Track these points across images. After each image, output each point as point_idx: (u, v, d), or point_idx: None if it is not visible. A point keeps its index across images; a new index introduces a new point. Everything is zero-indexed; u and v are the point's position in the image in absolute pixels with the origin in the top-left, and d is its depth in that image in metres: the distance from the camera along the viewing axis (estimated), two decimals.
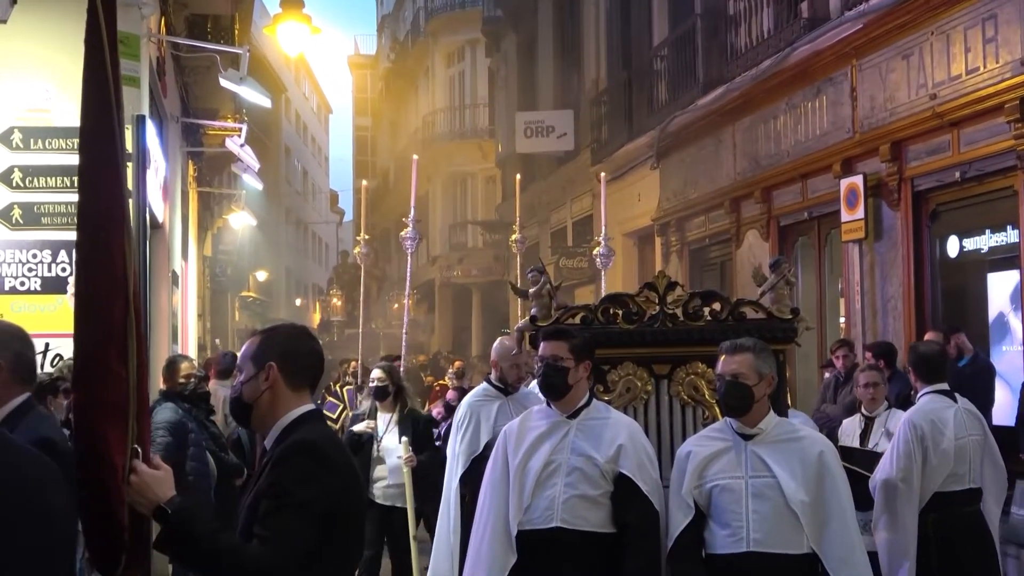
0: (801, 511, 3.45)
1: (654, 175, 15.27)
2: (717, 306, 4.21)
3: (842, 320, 10.98)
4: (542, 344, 3.77)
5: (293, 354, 2.68)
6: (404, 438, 6.84)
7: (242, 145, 15.98)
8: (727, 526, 3.46)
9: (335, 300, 31.55)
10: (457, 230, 30.10)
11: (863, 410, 6.19)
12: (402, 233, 8.66)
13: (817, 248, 11.32)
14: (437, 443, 7.46)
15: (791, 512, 3.45)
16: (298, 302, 45.07)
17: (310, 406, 2.69)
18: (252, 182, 19.76)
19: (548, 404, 3.83)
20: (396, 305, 30.04)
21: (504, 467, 3.76)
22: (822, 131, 10.70)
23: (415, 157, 8.93)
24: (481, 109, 29.24)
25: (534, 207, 22.08)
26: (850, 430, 6.20)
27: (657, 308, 4.21)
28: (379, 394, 7.11)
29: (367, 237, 9.53)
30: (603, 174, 9.19)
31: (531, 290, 4.25)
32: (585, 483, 3.62)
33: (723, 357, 3.61)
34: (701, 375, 4.13)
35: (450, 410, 8.49)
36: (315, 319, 51.92)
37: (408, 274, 8.82)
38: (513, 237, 9.97)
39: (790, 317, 4.19)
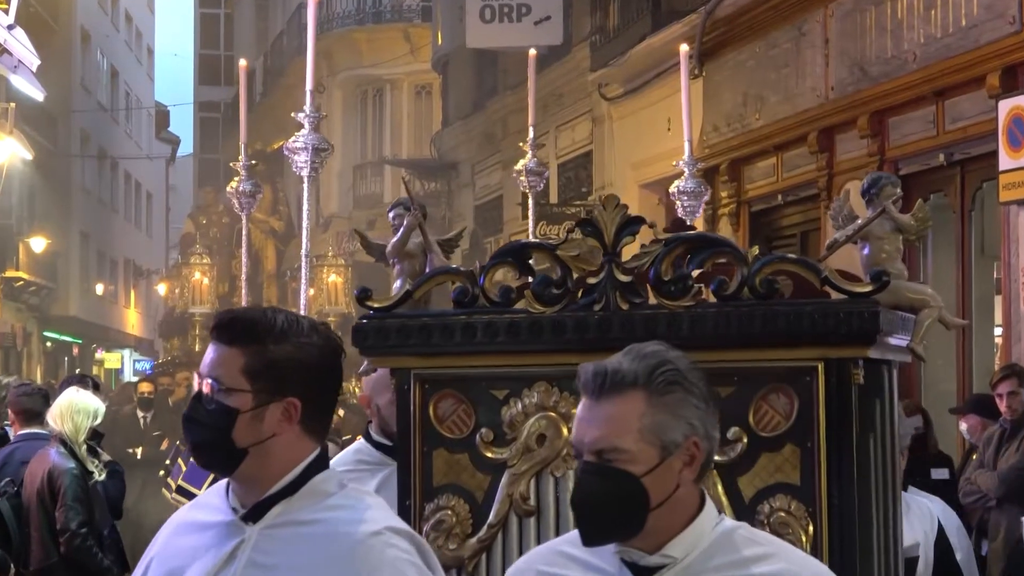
0: None
1: (694, 89, 15.24)
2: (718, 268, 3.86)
3: (998, 330, 11.15)
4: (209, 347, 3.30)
5: None
6: None
7: (10, 27, 15.84)
8: None
9: (198, 275, 30.14)
10: (367, 175, 30.14)
11: None
12: (289, 141, 8.00)
13: (960, 212, 11.42)
14: None
15: None
16: (100, 288, 44.84)
17: None
18: (27, 88, 19.63)
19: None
20: (311, 290, 29.56)
21: None
22: (970, 21, 10.83)
23: None
24: None
25: (494, 138, 22.04)
26: None
27: (602, 272, 3.84)
28: None
29: (254, 163, 9.10)
30: (683, 50, 8.81)
31: (392, 242, 4.05)
32: None
33: (582, 404, 3.08)
34: None
35: None
36: (129, 319, 51.56)
37: (304, 222, 8.20)
38: (522, 162, 8.81)
39: (869, 289, 3.78)
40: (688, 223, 8.41)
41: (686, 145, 8.45)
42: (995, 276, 11.27)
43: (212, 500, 3.36)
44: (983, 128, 10.61)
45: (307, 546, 3.20)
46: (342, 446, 10.26)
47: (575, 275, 3.90)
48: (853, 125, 12.30)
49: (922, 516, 5.84)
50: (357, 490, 3.40)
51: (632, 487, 2.98)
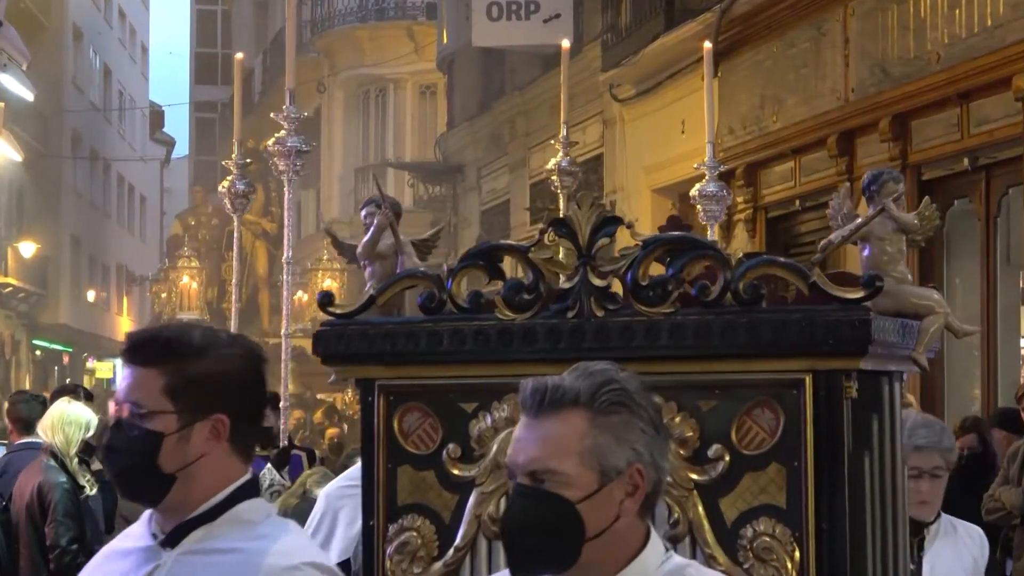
0: None
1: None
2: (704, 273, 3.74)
3: (1023, 342, 11.18)
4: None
5: None
6: None
7: None
8: None
9: (186, 278, 30.08)
10: (367, 178, 29.89)
11: None
12: (269, 143, 8.07)
13: (985, 219, 11.44)
14: None
15: None
16: (91, 295, 44.86)
17: None
18: (16, 87, 19.64)
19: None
20: (304, 296, 29.48)
21: None
22: (995, 20, 10.85)
23: None
24: None
25: (501, 139, 22.10)
26: None
27: (576, 276, 3.71)
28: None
29: (248, 161, 9.11)
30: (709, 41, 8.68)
31: (363, 241, 3.98)
32: None
33: (520, 422, 2.94)
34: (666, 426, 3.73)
35: None
36: (121, 327, 51.53)
37: (285, 225, 8.30)
38: (553, 161, 8.61)
39: (860, 295, 3.62)
40: (707, 228, 8.27)
41: (708, 147, 8.34)
42: (1021, 285, 11.25)
43: (136, 528, 3.31)
44: (1009, 131, 10.66)
45: (221, 574, 3.10)
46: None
47: (548, 280, 3.78)
48: (874, 128, 12.31)
49: (971, 542, 5.65)
50: (283, 521, 3.31)
51: (565, 513, 2.83)
